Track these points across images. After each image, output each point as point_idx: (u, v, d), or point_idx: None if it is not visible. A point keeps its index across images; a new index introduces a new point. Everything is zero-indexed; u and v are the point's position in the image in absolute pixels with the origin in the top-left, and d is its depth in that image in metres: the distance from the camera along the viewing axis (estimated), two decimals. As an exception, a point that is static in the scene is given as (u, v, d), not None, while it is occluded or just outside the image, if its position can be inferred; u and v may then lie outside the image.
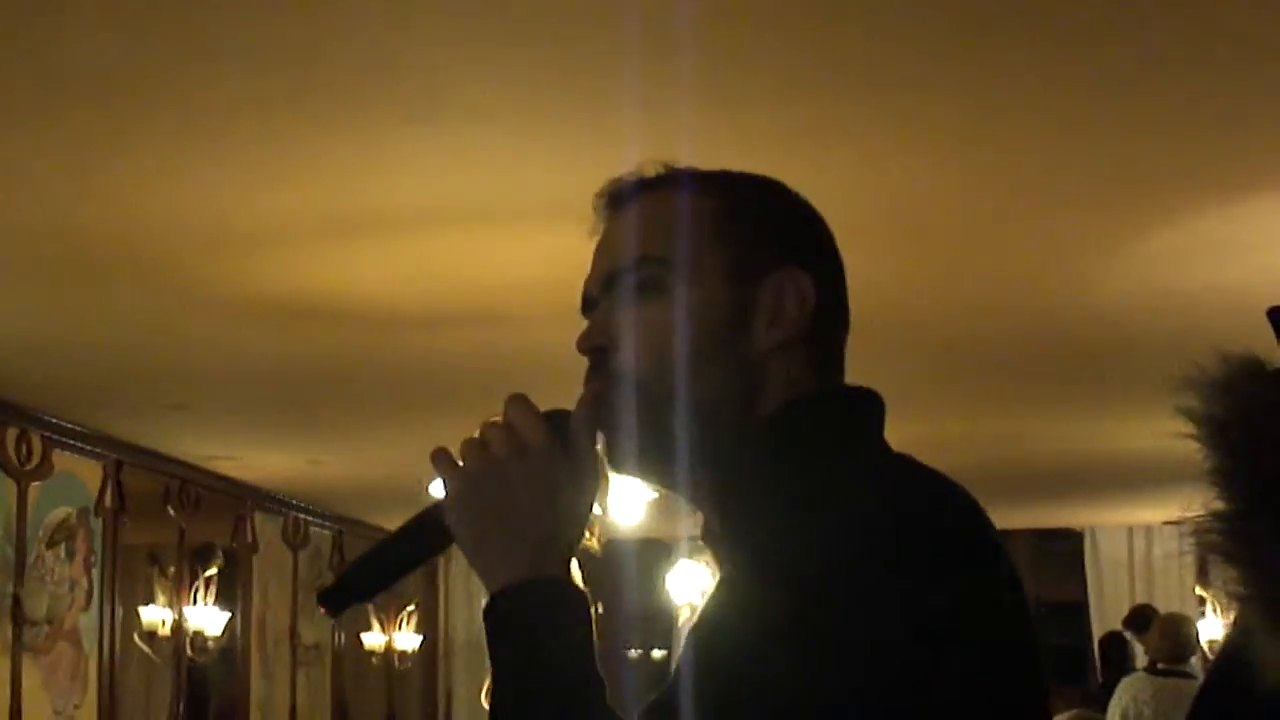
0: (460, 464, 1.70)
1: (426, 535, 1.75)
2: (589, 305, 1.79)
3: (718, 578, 1.70)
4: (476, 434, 1.71)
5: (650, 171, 1.79)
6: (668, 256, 1.71)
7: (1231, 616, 1.61)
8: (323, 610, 1.82)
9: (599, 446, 1.72)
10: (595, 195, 1.81)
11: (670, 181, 1.78)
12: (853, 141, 5.06)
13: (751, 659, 1.48)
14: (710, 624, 1.58)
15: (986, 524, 1.61)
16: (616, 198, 1.79)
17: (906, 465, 1.64)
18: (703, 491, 1.73)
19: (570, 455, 1.69)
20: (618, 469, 1.73)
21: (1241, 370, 1.59)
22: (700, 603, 1.75)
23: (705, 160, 1.87)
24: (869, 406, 1.74)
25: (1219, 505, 1.57)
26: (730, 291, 1.70)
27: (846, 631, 1.46)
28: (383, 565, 1.79)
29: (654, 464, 1.71)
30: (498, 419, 1.72)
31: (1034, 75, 4.56)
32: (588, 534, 1.74)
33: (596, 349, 1.73)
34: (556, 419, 1.70)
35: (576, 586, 1.66)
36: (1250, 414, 1.57)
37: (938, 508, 1.57)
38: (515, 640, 1.63)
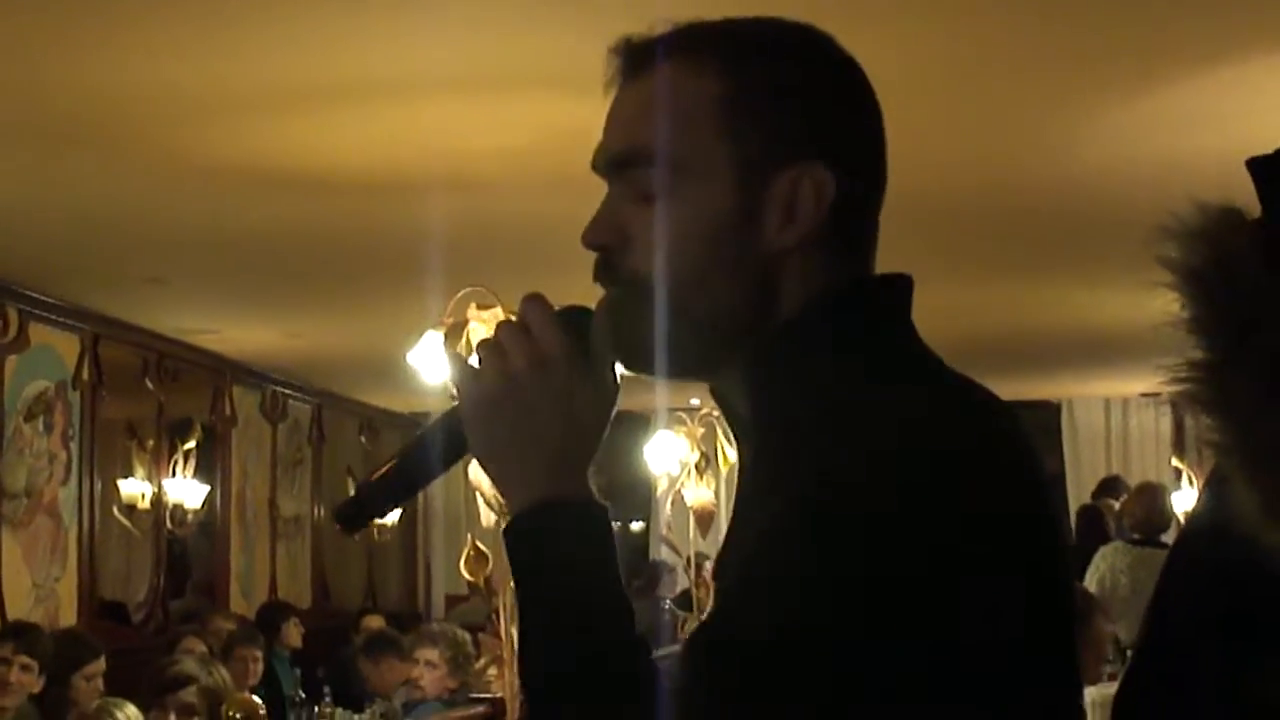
0: (477, 371, 1.65)
1: (442, 448, 1.71)
2: (599, 169, 1.70)
3: (752, 474, 1.67)
4: (492, 336, 1.66)
5: (664, 31, 1.68)
6: (675, 156, 1.62)
7: (1207, 467, 1.61)
8: (339, 527, 1.76)
9: (616, 354, 1.67)
10: (609, 51, 1.70)
11: (683, 52, 1.66)
12: (823, 9, 5.03)
13: (780, 596, 1.44)
14: (751, 561, 1.52)
15: (1017, 443, 1.57)
16: (630, 62, 1.69)
17: (932, 378, 1.60)
18: (727, 391, 1.69)
19: (589, 364, 1.64)
20: (633, 370, 1.68)
21: (1220, 219, 1.57)
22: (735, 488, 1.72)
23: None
24: (892, 299, 1.68)
25: (1196, 354, 1.56)
26: (739, 191, 1.61)
27: (872, 569, 1.42)
28: (400, 482, 1.75)
29: (674, 369, 1.66)
30: (513, 319, 1.67)
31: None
32: None
33: (603, 248, 1.66)
34: (574, 319, 1.66)
35: (597, 503, 1.62)
36: (1228, 262, 1.56)
37: (963, 432, 1.51)
38: (538, 564, 1.60)
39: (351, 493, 1.75)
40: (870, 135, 1.72)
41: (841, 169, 1.63)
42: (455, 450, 1.70)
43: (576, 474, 1.63)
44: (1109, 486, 13.29)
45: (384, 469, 1.74)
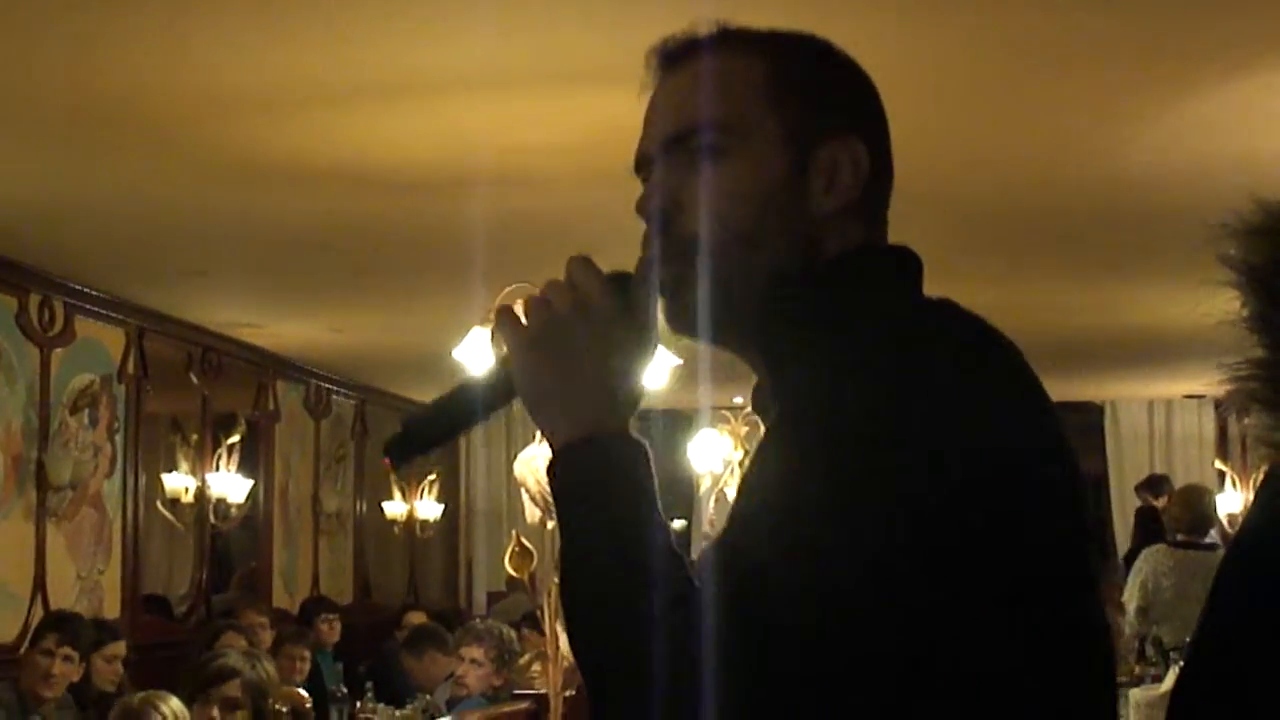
0: (523, 320, 1.70)
1: (489, 389, 1.77)
2: (644, 165, 1.79)
3: (765, 429, 1.71)
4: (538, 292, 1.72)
5: (703, 31, 1.79)
6: (727, 121, 1.72)
7: (1265, 466, 1.59)
8: (386, 462, 1.81)
9: (658, 309, 1.73)
10: (648, 53, 1.81)
11: (724, 43, 1.78)
12: (876, 9, 5.02)
13: (787, 514, 1.51)
14: (754, 476, 1.60)
15: (1032, 383, 1.63)
16: (671, 57, 1.80)
17: (952, 322, 1.65)
18: (758, 352, 1.76)
19: (631, 315, 1.70)
20: (677, 330, 1.75)
21: None
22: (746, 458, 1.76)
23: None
24: (906, 261, 1.76)
25: (1258, 352, 1.55)
26: (788, 157, 1.72)
27: (883, 490, 1.49)
28: (446, 417, 1.79)
29: (714, 326, 1.73)
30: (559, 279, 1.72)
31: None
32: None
33: (657, 211, 1.74)
34: (618, 279, 1.71)
35: (638, 440, 1.67)
36: None
37: (986, 372, 1.59)
38: (581, 496, 1.64)
39: (401, 429, 1.78)
40: (886, 125, 1.82)
41: (872, 145, 1.76)
42: (500, 395, 1.75)
43: (617, 414, 1.68)
44: (1153, 484, 13.24)
45: (432, 406, 1.78)
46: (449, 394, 1.79)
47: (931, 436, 1.50)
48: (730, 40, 1.78)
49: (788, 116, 1.73)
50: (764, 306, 1.70)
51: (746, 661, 1.47)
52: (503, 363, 1.74)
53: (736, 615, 1.48)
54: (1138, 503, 14.17)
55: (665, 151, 1.75)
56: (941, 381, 1.54)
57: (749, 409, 7.54)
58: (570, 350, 1.67)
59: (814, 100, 1.75)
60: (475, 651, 8.18)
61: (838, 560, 1.48)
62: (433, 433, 1.78)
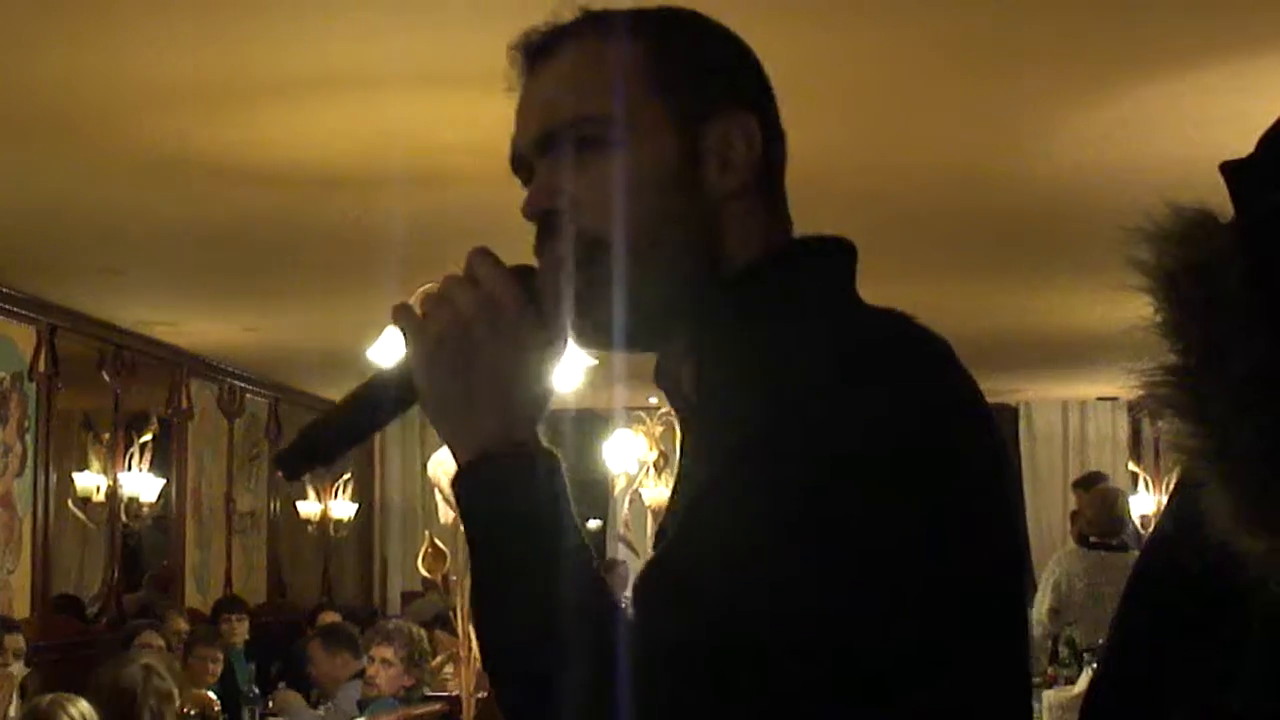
0: (423, 321, 1.61)
1: (387, 397, 1.65)
2: (521, 166, 1.71)
3: (695, 444, 1.67)
4: (436, 288, 1.62)
5: (567, 17, 1.70)
6: (605, 111, 1.63)
7: (1177, 471, 1.59)
8: (280, 473, 1.70)
9: (568, 308, 1.63)
10: (510, 48, 1.73)
11: (593, 27, 1.68)
12: (790, 5, 5.02)
13: (734, 542, 1.46)
14: (697, 501, 1.55)
15: (974, 395, 1.60)
16: (537, 50, 1.71)
17: (885, 327, 1.61)
18: (673, 353, 1.68)
19: (538, 312, 1.60)
20: (586, 345, 1.66)
21: (1194, 221, 1.55)
22: (682, 465, 1.72)
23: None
24: (841, 258, 1.70)
25: (1170, 359, 1.54)
26: (675, 140, 1.63)
27: (835, 523, 1.45)
28: (342, 429, 1.67)
29: (621, 329, 1.64)
30: (458, 273, 1.62)
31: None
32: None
33: (545, 213, 1.65)
34: (522, 273, 1.61)
35: (548, 451, 1.58)
36: (1203, 266, 1.54)
37: (922, 389, 1.54)
38: (489, 512, 1.56)
39: (295, 438, 1.67)
40: (773, 97, 1.74)
41: (762, 118, 1.68)
42: (404, 398, 1.63)
43: (528, 423, 1.58)
44: (1085, 483, 13.35)
45: (331, 413, 1.67)
46: (341, 405, 1.67)
47: (882, 461, 1.46)
48: (599, 24, 1.68)
49: (671, 97, 1.64)
50: (673, 309, 1.63)
51: (684, 689, 1.43)
52: (404, 362, 1.63)
53: (677, 638, 1.43)
54: (1061, 502, 14.26)
55: (544, 150, 1.66)
56: (885, 401, 1.49)
57: (663, 409, 7.51)
58: (477, 358, 1.56)
59: (696, 77, 1.66)
60: (386, 651, 8.13)
61: (790, 592, 1.44)
62: (327, 447, 1.66)
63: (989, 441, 1.59)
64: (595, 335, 1.65)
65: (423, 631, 8.46)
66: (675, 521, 1.59)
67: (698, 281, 1.63)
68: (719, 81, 1.68)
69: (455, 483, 1.59)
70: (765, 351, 1.57)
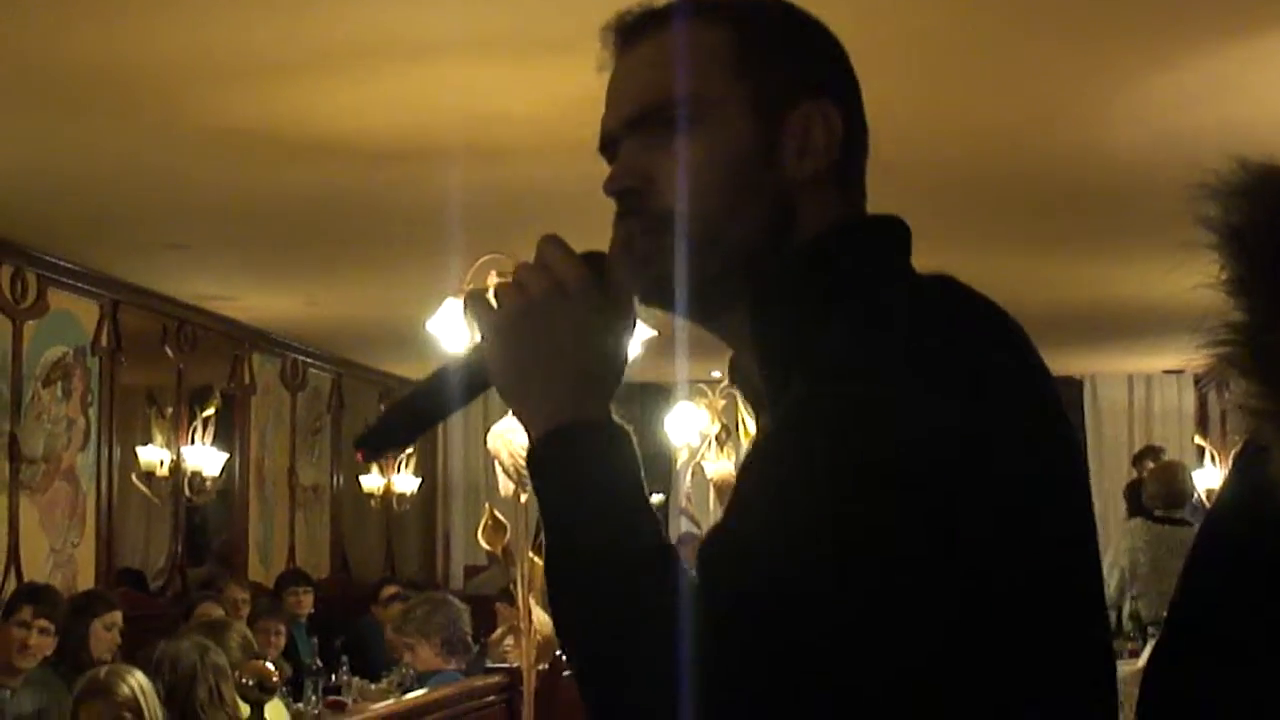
0: (495, 306, 1.65)
1: (463, 379, 1.71)
2: (609, 145, 1.74)
3: (762, 427, 1.69)
4: (510, 277, 1.66)
5: (660, 2, 1.74)
6: (694, 94, 1.67)
7: (1244, 435, 1.56)
8: (359, 456, 1.79)
9: (634, 288, 1.68)
10: (604, 29, 1.76)
11: (684, 12, 1.73)
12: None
13: (782, 530, 1.47)
14: (758, 482, 1.55)
15: (1039, 371, 1.60)
16: (629, 31, 1.74)
17: (936, 306, 1.61)
18: (739, 330, 1.70)
19: (608, 296, 1.65)
20: (649, 301, 1.70)
21: (1262, 177, 1.52)
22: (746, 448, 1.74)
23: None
24: (898, 234, 1.72)
25: (1236, 316, 1.51)
26: (757, 125, 1.67)
27: (900, 517, 1.45)
28: (420, 410, 1.74)
29: (690, 299, 1.68)
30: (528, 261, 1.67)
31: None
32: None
33: (627, 190, 1.69)
34: (592, 259, 1.66)
35: (620, 425, 1.61)
36: (1271, 221, 1.51)
37: (979, 372, 1.54)
38: (563, 486, 1.58)
39: (375, 421, 1.75)
40: (858, 87, 1.77)
41: (845, 108, 1.71)
42: (476, 384, 1.70)
43: (598, 398, 1.62)
44: (1143, 457, 13.27)
45: (407, 398, 1.74)
46: (425, 383, 1.73)
47: (950, 456, 1.46)
48: (690, 9, 1.73)
49: (755, 83, 1.68)
50: (748, 285, 1.65)
51: (744, 668, 1.44)
52: (478, 347, 1.68)
53: (742, 616, 1.44)
54: (1127, 477, 14.18)
55: (631, 129, 1.70)
56: (953, 395, 1.49)
57: (726, 383, 7.51)
58: (547, 335, 1.61)
59: (781, 64, 1.70)
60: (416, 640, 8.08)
61: (852, 582, 1.44)
62: (405, 428, 1.75)
63: (1053, 420, 1.58)
64: (660, 293, 1.69)
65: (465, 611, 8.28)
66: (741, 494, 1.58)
67: (760, 256, 1.66)
68: (802, 70, 1.71)
69: (529, 457, 1.62)
70: (820, 332, 1.58)
